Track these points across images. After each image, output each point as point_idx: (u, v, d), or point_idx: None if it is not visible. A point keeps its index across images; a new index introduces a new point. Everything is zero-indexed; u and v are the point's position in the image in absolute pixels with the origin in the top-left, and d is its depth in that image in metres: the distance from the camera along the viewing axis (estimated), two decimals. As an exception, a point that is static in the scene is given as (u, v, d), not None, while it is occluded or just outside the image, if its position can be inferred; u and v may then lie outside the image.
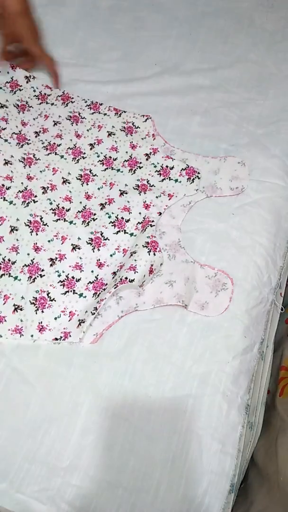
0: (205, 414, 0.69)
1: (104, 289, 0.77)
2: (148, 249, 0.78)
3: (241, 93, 0.96)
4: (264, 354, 0.81)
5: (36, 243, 0.80)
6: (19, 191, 0.83)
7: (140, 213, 0.83)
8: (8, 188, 0.83)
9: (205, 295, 0.77)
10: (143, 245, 0.78)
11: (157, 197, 0.85)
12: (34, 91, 0.94)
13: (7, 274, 0.77)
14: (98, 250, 0.80)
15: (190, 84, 0.97)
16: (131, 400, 0.70)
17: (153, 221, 0.82)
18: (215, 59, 1.00)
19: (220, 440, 0.68)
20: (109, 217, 0.83)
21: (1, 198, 0.82)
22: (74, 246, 0.80)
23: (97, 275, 0.79)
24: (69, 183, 0.86)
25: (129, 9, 1.07)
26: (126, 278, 0.75)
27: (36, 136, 0.90)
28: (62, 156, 0.88)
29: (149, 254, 0.77)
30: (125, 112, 0.93)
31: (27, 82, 0.94)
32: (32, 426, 0.69)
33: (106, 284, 0.77)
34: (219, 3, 1.08)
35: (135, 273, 0.75)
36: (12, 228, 0.80)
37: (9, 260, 0.78)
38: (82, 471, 0.67)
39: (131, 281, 0.74)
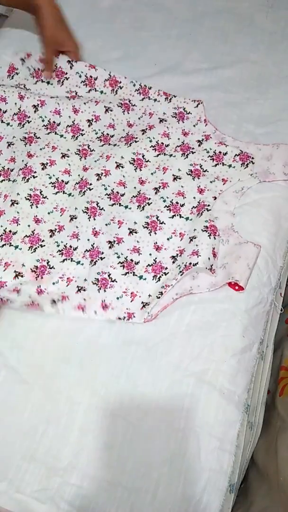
0: (202, 412, 0.69)
1: (165, 273, 0.78)
2: (208, 233, 0.78)
3: (241, 93, 0.96)
4: (264, 354, 0.81)
5: (95, 228, 0.82)
6: (76, 183, 0.86)
7: (194, 197, 0.84)
8: (67, 183, 0.86)
9: (251, 271, 0.78)
10: (202, 230, 0.79)
11: (211, 182, 0.86)
12: (80, 76, 0.94)
13: (69, 259, 0.80)
14: (155, 233, 0.82)
15: (190, 84, 0.97)
16: (129, 399, 0.71)
17: (208, 205, 0.83)
18: (215, 59, 1.00)
19: (217, 437, 0.68)
20: (164, 201, 0.84)
21: (61, 192, 0.85)
22: (131, 230, 0.82)
23: (155, 258, 0.80)
24: (122, 167, 0.87)
25: (129, 9, 1.07)
26: (190, 263, 0.75)
27: (89, 126, 0.91)
28: (115, 145, 0.90)
29: (209, 238, 0.78)
30: (175, 96, 0.93)
31: (71, 68, 0.94)
32: (30, 426, 0.69)
33: (166, 267, 0.79)
34: (219, 3, 1.08)
35: (198, 257, 0.76)
36: (72, 216, 0.83)
37: (70, 246, 0.81)
38: (81, 470, 0.67)
39: (195, 265, 0.75)
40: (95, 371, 0.72)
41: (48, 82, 0.95)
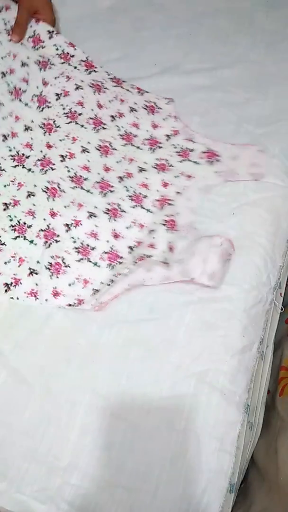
0: (203, 412, 0.69)
1: (120, 262, 0.78)
2: (167, 227, 0.79)
3: (241, 93, 0.96)
4: (264, 354, 0.81)
5: (53, 209, 0.81)
6: (38, 159, 0.85)
7: (158, 190, 0.84)
8: (27, 157, 0.84)
9: (213, 265, 0.77)
10: (161, 223, 0.80)
11: (175, 177, 0.85)
12: (57, 49, 0.93)
13: (22, 237, 0.79)
14: (115, 220, 0.81)
15: (190, 84, 0.97)
16: (129, 399, 0.71)
17: (171, 200, 0.83)
18: (215, 59, 1.00)
19: (218, 438, 0.68)
20: (127, 190, 0.84)
21: (20, 165, 0.84)
22: (90, 214, 0.81)
23: (112, 245, 0.79)
24: (88, 152, 0.86)
25: (129, 9, 1.07)
26: (144, 255, 0.76)
27: (57, 99, 0.90)
28: (82, 126, 0.89)
29: (167, 232, 0.78)
30: (147, 92, 0.93)
31: (49, 38, 0.93)
32: (31, 426, 0.69)
33: (121, 257, 0.78)
34: (219, 3, 1.07)
35: (153, 249, 0.76)
36: (29, 193, 0.82)
37: (24, 223, 0.80)
38: (81, 470, 0.67)
39: (149, 257, 0.75)
40: (96, 371, 0.72)
41: (21, 43, 0.92)
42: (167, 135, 0.90)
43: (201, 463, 0.67)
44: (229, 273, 0.78)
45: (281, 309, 0.86)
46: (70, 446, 0.68)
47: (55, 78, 0.90)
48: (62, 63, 0.93)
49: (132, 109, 0.91)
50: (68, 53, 0.93)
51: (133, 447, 0.68)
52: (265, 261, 0.80)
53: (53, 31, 0.93)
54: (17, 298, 0.76)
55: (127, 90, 0.93)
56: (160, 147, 0.88)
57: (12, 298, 0.76)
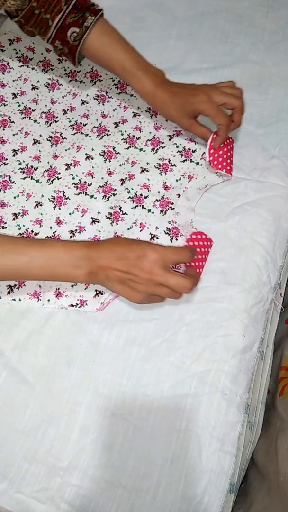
0: (204, 413, 0.69)
1: None
2: (170, 236, 0.81)
3: (241, 93, 0.96)
4: (264, 354, 0.81)
5: (59, 217, 0.83)
6: (45, 170, 0.87)
7: (159, 192, 0.86)
8: (35, 169, 0.87)
9: None
10: (165, 231, 0.82)
11: (177, 180, 0.87)
12: (65, 70, 0.97)
13: None
14: (117, 224, 0.83)
15: (190, 84, 0.97)
16: (130, 399, 0.71)
17: (172, 203, 0.84)
18: (215, 59, 1.00)
19: (219, 438, 0.68)
20: (128, 192, 0.85)
21: (29, 177, 0.87)
22: (93, 219, 0.83)
23: None
24: (92, 159, 0.88)
25: (129, 9, 1.07)
26: None
27: (63, 114, 0.93)
28: (87, 135, 0.91)
29: (171, 241, 0.81)
30: None
31: (59, 63, 0.98)
32: (32, 426, 0.69)
33: None
34: (219, 3, 1.08)
35: None
36: (37, 203, 0.84)
37: (32, 231, 0.82)
38: (82, 470, 0.67)
39: None
40: (97, 371, 0.72)
41: (32, 68, 0.97)
42: (169, 136, 0.91)
43: (202, 463, 0.67)
44: (229, 272, 0.78)
45: (281, 309, 0.86)
46: (71, 446, 0.68)
47: (63, 97, 0.95)
48: (69, 81, 0.96)
49: (135, 114, 0.93)
50: (74, 71, 0.97)
51: (133, 447, 0.68)
52: (265, 260, 0.80)
53: (62, 58, 0.98)
54: (19, 300, 0.77)
55: (131, 95, 0.95)
56: (162, 147, 0.90)
57: (14, 300, 0.77)
